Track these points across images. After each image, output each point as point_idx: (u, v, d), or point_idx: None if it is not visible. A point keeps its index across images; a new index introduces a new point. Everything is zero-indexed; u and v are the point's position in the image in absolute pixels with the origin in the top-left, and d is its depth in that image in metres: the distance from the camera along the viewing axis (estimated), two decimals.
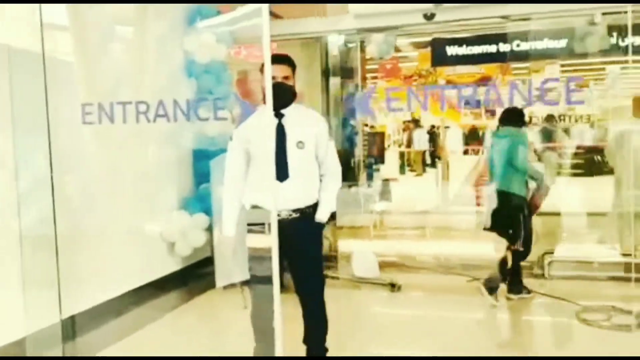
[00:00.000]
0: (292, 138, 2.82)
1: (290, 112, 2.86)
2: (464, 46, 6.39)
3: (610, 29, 5.46)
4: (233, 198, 2.93)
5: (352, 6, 4.22)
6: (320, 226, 2.95)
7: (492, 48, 6.28)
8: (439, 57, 6.61)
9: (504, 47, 6.23)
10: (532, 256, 5.43)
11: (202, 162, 4.96)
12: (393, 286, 5.17)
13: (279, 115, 2.83)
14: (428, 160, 15.22)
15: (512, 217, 4.40)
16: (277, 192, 2.51)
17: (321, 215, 2.93)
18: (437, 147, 16.21)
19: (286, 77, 2.81)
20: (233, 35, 4.89)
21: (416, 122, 12.87)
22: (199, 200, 4.98)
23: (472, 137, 22.98)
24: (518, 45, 6.18)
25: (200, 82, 4.82)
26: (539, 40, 6.12)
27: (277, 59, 2.69)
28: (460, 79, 9.60)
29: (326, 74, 6.48)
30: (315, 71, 6.04)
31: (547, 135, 10.85)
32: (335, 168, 2.99)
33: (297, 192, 2.85)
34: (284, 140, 2.80)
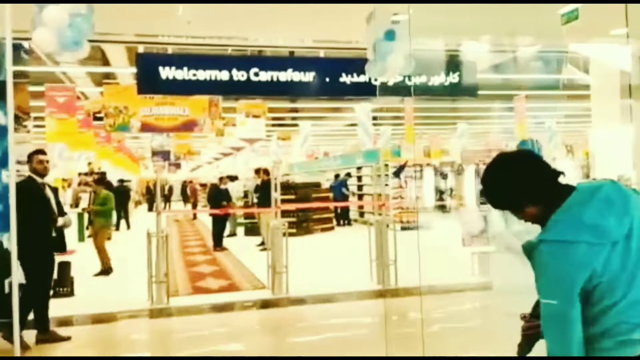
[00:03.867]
0: None
1: None
2: (185, 69, 4.61)
3: None
4: None
5: None
6: None
7: (223, 75, 4.66)
8: (148, 82, 4.66)
9: (238, 75, 4.68)
10: None
11: None
12: None
13: None
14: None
15: None
16: None
17: None
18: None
19: None
20: None
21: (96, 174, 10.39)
22: None
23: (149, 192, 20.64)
24: (256, 75, 4.70)
25: None
26: (283, 70, 4.77)
27: None
28: (159, 122, 7.71)
29: None
30: None
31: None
32: None
33: None
34: None
